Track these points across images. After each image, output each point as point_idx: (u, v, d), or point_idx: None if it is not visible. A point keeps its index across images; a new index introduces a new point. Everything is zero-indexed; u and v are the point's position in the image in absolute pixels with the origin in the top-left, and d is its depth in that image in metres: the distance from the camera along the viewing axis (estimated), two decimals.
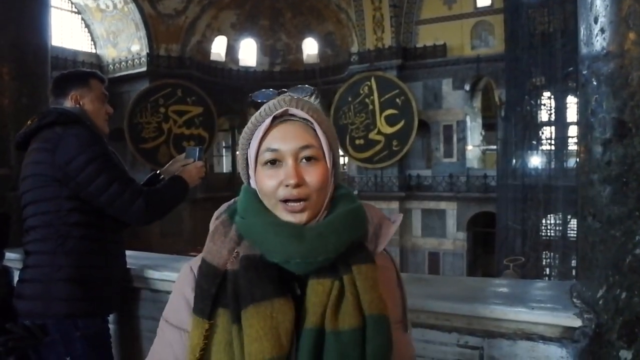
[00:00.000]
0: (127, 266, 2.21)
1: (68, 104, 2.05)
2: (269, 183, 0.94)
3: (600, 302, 1.46)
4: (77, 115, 1.98)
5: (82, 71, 2.18)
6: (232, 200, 1.08)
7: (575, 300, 1.58)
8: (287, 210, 0.93)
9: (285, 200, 0.93)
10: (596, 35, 1.47)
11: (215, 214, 1.06)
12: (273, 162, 0.94)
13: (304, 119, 0.97)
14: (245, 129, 0.99)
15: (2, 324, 1.81)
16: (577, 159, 1.80)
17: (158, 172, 2.30)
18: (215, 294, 0.92)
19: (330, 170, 0.97)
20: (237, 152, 1.05)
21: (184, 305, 0.97)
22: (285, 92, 1.02)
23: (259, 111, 0.98)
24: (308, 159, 0.94)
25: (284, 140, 0.94)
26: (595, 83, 1.48)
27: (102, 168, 1.88)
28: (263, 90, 1.03)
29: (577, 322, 1.49)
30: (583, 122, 1.57)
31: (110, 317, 2.08)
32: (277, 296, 0.88)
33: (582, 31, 1.56)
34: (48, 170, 1.88)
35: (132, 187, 1.93)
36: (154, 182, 2.23)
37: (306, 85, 1.03)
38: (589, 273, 1.54)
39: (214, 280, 0.93)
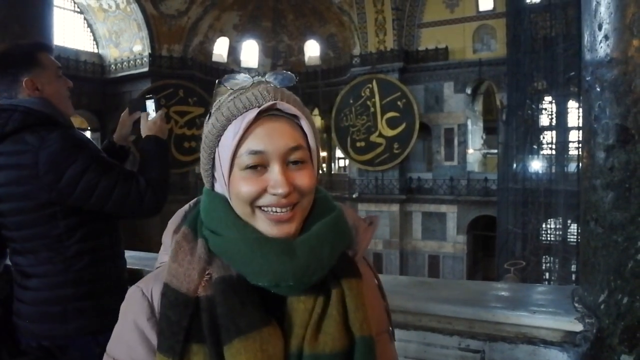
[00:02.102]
0: (138, 267, 2.15)
1: (23, 93, 1.72)
2: (247, 189, 0.78)
3: (602, 306, 1.47)
4: (47, 116, 1.69)
5: (26, 48, 1.78)
6: (187, 205, 0.91)
7: (576, 304, 1.59)
8: (272, 220, 0.78)
9: (267, 207, 0.78)
10: (600, 41, 1.48)
11: (170, 225, 0.89)
12: (255, 167, 0.78)
13: (291, 114, 0.81)
14: (214, 121, 0.81)
15: (7, 323, 1.79)
16: (580, 164, 1.80)
17: (114, 139, 2.09)
18: (187, 327, 0.76)
19: (315, 172, 0.83)
20: (201, 147, 0.86)
21: (138, 339, 0.80)
22: (262, 78, 0.84)
23: (231, 100, 0.80)
24: (296, 162, 0.79)
25: (271, 140, 0.78)
26: (598, 89, 1.49)
27: (97, 175, 1.68)
28: (238, 73, 0.86)
29: (578, 327, 1.50)
30: (586, 128, 1.58)
31: None
32: (265, 324, 0.75)
33: (586, 37, 1.57)
34: (35, 192, 1.65)
35: (133, 182, 1.75)
36: (112, 150, 2.06)
37: (287, 72, 0.86)
38: (590, 278, 1.55)
39: (184, 310, 0.76)
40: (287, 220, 0.78)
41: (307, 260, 0.76)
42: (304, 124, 0.81)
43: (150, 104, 1.96)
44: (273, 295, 0.78)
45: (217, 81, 0.85)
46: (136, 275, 2.16)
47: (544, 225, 15.53)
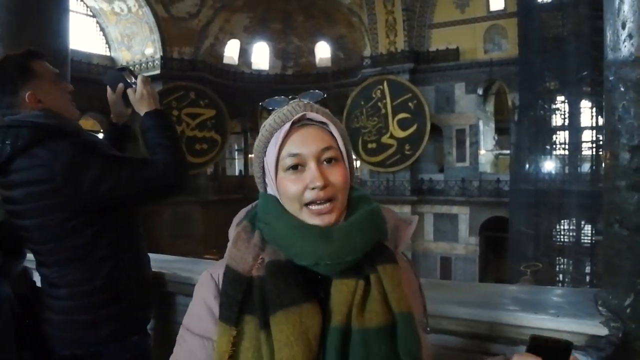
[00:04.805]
0: (164, 271, 2.15)
1: (26, 108, 1.70)
2: (293, 188, 0.95)
3: (628, 310, 1.44)
4: (54, 127, 1.68)
5: (18, 59, 1.72)
6: (250, 205, 1.09)
7: (600, 308, 1.56)
8: (314, 214, 0.94)
9: (311, 203, 0.94)
10: (624, 40, 1.46)
11: (235, 220, 1.07)
12: (295, 167, 0.95)
13: (321, 122, 0.98)
14: (260, 137, 1.00)
15: (25, 324, 1.78)
16: (602, 164, 1.77)
17: (114, 121, 2.08)
18: (241, 301, 0.92)
19: (348, 171, 0.99)
20: (252, 159, 1.05)
21: (207, 313, 0.97)
22: (296, 98, 1.02)
23: (272, 118, 0.98)
24: (329, 160, 0.96)
25: (305, 144, 0.95)
26: (622, 89, 1.47)
27: (116, 174, 1.68)
28: (275, 97, 1.03)
29: (603, 331, 1.47)
30: (609, 128, 1.55)
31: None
32: (305, 301, 0.89)
33: (609, 36, 1.55)
34: (58, 205, 1.66)
35: (150, 167, 1.76)
36: (115, 131, 2.07)
37: (316, 90, 1.04)
38: (615, 280, 1.52)
39: (239, 286, 0.93)
40: (327, 212, 0.94)
41: (341, 244, 0.91)
42: (332, 129, 0.98)
43: (127, 76, 1.94)
44: (320, 279, 0.93)
45: (260, 104, 1.03)
46: (154, 277, 2.18)
47: (556, 227, 15.40)
